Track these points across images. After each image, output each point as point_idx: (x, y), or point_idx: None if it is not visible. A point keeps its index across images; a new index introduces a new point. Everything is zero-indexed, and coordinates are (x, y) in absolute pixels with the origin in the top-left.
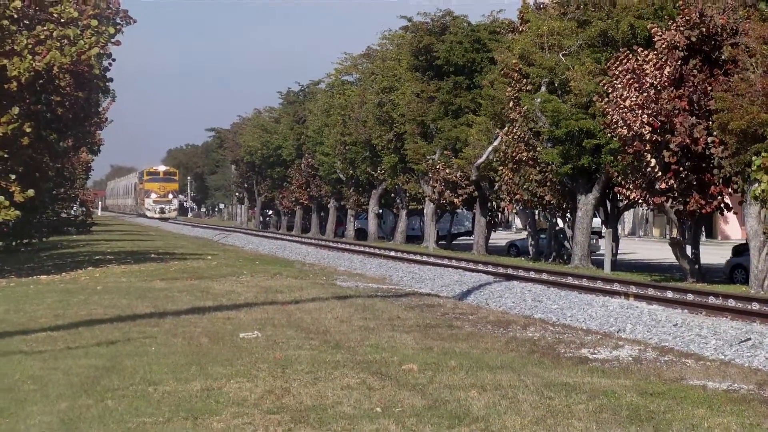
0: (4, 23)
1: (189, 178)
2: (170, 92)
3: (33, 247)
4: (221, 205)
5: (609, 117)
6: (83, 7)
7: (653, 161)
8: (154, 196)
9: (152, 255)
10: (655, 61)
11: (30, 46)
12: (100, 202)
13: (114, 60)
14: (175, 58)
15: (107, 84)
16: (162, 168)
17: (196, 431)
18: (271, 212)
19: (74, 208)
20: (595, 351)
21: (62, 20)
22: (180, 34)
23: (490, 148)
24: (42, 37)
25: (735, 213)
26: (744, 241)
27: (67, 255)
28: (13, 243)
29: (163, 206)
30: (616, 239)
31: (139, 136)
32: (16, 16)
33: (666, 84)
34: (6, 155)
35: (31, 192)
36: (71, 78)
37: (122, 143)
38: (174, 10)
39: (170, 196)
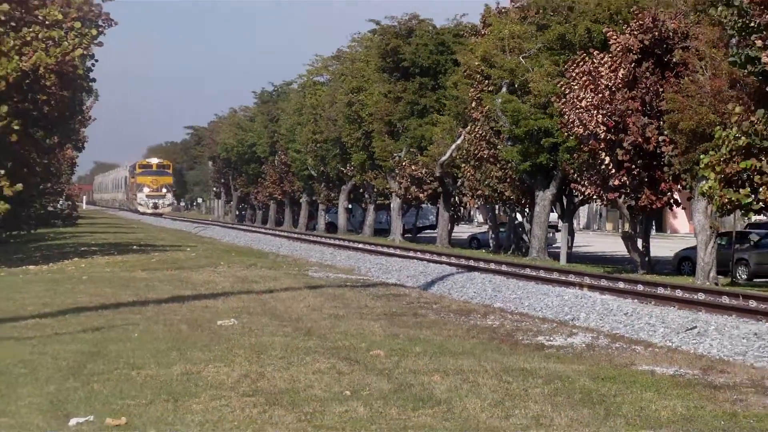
0: None
1: None
2: (150, 92)
3: (22, 239)
4: (199, 200)
5: (566, 117)
6: (67, 10)
7: (607, 159)
8: (146, 190)
9: (134, 247)
10: (610, 63)
11: (17, 47)
12: (84, 197)
13: (96, 60)
14: (155, 58)
15: (90, 84)
16: (155, 160)
17: (176, 413)
18: (246, 206)
19: (60, 202)
20: (551, 338)
21: (47, 22)
22: (160, 36)
23: (453, 146)
24: (28, 38)
25: (683, 208)
26: None
27: (54, 246)
28: (3, 235)
29: (156, 201)
30: (571, 233)
31: (120, 133)
32: (3, 18)
33: (620, 85)
34: None
35: (19, 186)
36: (56, 78)
37: (105, 140)
38: (154, 14)
39: (164, 190)
